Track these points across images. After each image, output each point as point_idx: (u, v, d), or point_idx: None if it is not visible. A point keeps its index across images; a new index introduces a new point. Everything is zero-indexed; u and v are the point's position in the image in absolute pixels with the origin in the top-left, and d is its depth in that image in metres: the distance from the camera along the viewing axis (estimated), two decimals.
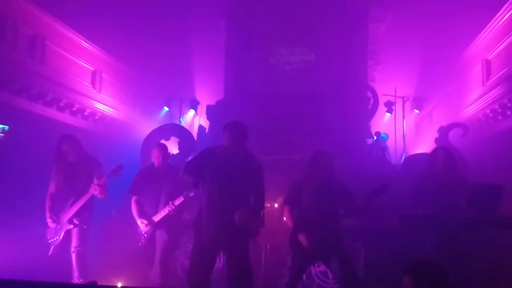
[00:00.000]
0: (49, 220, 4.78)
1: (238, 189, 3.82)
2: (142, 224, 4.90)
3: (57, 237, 4.79)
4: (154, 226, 4.91)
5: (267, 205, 6.28)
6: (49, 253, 4.81)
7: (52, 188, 4.95)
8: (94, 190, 4.70)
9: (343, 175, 4.79)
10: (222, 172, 3.81)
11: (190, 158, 4.13)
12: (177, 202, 4.76)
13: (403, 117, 10.06)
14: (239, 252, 3.88)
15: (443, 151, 4.80)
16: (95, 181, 4.73)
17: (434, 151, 4.88)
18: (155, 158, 5.11)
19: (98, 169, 4.95)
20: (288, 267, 4.36)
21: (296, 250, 4.18)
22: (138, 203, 5.03)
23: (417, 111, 10.69)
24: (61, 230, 4.79)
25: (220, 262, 4.73)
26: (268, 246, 5.59)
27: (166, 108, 11.08)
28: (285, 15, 9.36)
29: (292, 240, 4.24)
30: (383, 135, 8.64)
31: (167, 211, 4.81)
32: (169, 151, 5.33)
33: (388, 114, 10.08)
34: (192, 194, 4.68)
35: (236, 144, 3.82)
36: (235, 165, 3.82)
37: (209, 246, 3.86)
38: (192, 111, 10.87)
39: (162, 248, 4.89)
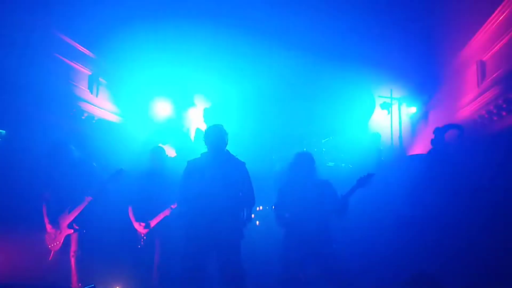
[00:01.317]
0: (48, 226, 4.79)
1: (226, 190, 3.88)
2: (140, 228, 4.91)
3: (58, 242, 4.80)
4: (152, 229, 4.92)
5: (266, 207, 6.32)
6: (50, 258, 4.81)
7: (46, 194, 4.95)
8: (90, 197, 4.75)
9: (340, 177, 4.83)
10: (209, 177, 3.90)
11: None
12: (174, 205, 4.78)
13: (399, 118, 10.10)
14: (231, 253, 3.94)
15: (440, 152, 4.83)
16: (94, 184, 4.78)
17: (430, 152, 4.91)
18: (152, 161, 5.14)
19: (93, 170, 4.98)
20: (281, 268, 4.41)
21: (289, 252, 4.24)
22: (135, 207, 5.05)
23: (413, 112, 10.72)
24: (61, 235, 4.80)
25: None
26: (265, 247, 5.61)
27: (163, 111, 11.07)
28: (281, 17, 9.40)
29: (284, 242, 4.31)
30: (376, 134, 8.70)
31: (165, 214, 4.83)
32: (165, 154, 5.36)
33: (384, 115, 10.11)
34: None
35: (217, 148, 3.97)
36: (220, 168, 3.90)
37: (201, 247, 3.92)
38: (189, 114, 10.87)
39: (160, 251, 4.90)
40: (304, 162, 4.43)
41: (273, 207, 4.59)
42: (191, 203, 4.02)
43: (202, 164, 4.05)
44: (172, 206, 4.78)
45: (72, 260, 4.79)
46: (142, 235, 4.93)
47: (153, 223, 4.90)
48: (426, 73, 10.01)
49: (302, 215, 4.24)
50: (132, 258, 5.11)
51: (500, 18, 7.10)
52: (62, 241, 4.80)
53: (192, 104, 10.80)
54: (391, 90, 10.13)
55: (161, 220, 4.89)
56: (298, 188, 4.36)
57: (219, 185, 3.91)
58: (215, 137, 4.05)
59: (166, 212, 4.82)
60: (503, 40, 7.02)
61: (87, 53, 8.92)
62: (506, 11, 6.89)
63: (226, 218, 3.90)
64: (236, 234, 3.98)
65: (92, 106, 9.07)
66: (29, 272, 4.62)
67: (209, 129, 4.15)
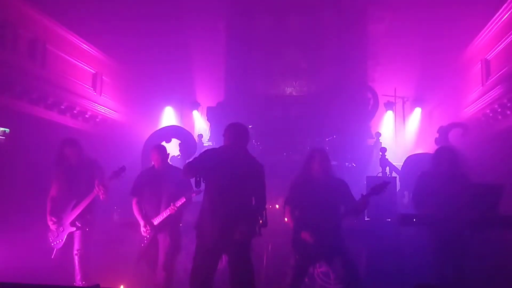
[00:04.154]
0: (50, 223, 4.79)
1: (240, 190, 3.83)
2: (143, 226, 4.90)
3: (60, 240, 4.80)
4: (156, 228, 4.91)
5: (269, 206, 6.31)
6: (52, 256, 4.81)
7: (53, 191, 4.96)
8: (99, 190, 4.69)
9: (344, 175, 4.80)
10: (224, 172, 3.81)
11: (191, 159, 4.13)
12: (178, 203, 4.76)
13: (403, 118, 10.08)
14: (242, 253, 3.88)
15: (448, 150, 4.76)
16: (100, 182, 4.74)
17: (439, 150, 4.83)
18: (154, 160, 5.12)
19: (100, 172, 4.97)
20: (291, 266, 4.36)
21: (298, 250, 4.19)
22: (140, 204, 5.03)
23: (417, 111, 10.70)
24: (63, 233, 4.80)
25: (222, 262, 4.73)
26: (270, 247, 5.60)
27: (167, 110, 11.09)
28: (284, 17, 9.38)
29: (294, 239, 4.25)
30: (377, 133, 8.68)
31: (169, 213, 4.81)
32: (168, 153, 5.33)
33: (387, 115, 10.10)
34: (194, 194, 4.69)
35: (237, 145, 3.86)
36: (237, 166, 3.84)
37: (211, 248, 3.86)
38: (193, 113, 10.88)
39: (165, 251, 4.87)
40: (317, 159, 4.32)
41: (284, 203, 4.50)
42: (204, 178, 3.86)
43: (220, 156, 3.87)
44: (177, 203, 4.77)
45: (76, 259, 4.79)
46: (146, 234, 4.92)
47: (156, 221, 4.89)
48: (430, 72, 9.98)
49: (313, 212, 4.17)
50: (136, 256, 5.10)
51: (505, 17, 7.06)
52: (64, 239, 4.80)
53: (195, 102, 10.81)
54: (395, 89, 10.12)
55: (164, 218, 4.88)
56: (310, 185, 4.27)
57: (234, 183, 3.79)
58: (237, 132, 3.88)
59: (170, 210, 4.81)
60: (508, 39, 6.98)
61: (91, 51, 8.94)
62: (511, 10, 6.86)
63: (238, 220, 3.80)
64: (247, 237, 3.87)
65: (96, 104, 9.10)
66: (32, 270, 4.62)
67: (231, 124, 3.96)
